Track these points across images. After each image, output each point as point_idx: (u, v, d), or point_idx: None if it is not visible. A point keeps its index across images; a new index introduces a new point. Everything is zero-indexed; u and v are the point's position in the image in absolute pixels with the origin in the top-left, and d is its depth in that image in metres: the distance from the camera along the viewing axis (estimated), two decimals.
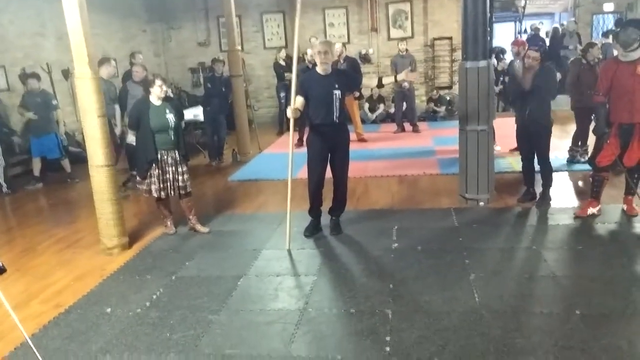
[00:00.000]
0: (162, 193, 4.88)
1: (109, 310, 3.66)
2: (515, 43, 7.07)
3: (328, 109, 4.46)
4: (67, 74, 9.04)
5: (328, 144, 4.58)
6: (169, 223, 5.14)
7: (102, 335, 3.33)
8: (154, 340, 3.24)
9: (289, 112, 4.36)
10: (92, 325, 3.47)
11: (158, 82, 4.80)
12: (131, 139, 6.93)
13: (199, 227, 5.11)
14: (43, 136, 7.35)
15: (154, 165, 4.80)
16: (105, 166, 4.59)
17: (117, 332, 3.37)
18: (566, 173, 6.41)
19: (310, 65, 8.99)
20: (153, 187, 4.84)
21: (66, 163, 7.64)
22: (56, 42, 9.01)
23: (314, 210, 4.82)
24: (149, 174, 4.82)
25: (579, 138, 6.77)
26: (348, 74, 4.70)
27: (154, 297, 3.82)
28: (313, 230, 4.82)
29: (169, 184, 4.88)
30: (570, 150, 6.87)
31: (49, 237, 5.32)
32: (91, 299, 3.87)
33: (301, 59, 10.20)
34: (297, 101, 4.49)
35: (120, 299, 3.83)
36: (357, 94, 9.25)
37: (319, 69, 4.53)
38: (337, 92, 4.46)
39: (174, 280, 4.09)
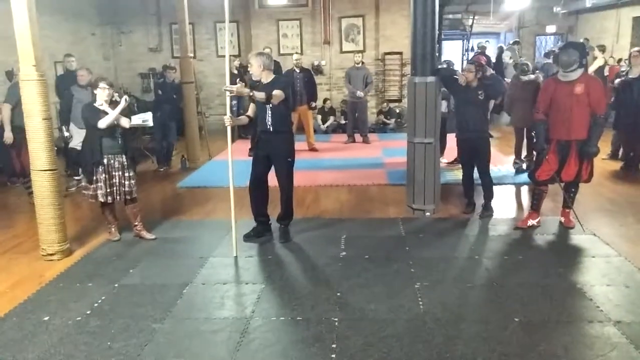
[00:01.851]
0: (109, 198, 4.79)
1: (46, 318, 3.52)
2: (477, 59, 7.23)
3: (264, 116, 4.59)
4: (10, 75, 8.65)
5: (264, 150, 4.71)
6: (113, 229, 5.01)
7: (38, 345, 3.19)
8: (94, 350, 3.13)
9: (226, 120, 4.45)
10: (29, 334, 3.32)
11: (102, 84, 4.72)
12: (75, 143, 6.75)
13: (144, 233, 5.01)
14: None
15: (100, 169, 4.70)
16: (48, 170, 4.44)
17: (55, 341, 3.24)
18: (508, 186, 6.67)
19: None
20: (99, 192, 4.75)
21: None
22: (0, 42, 8.61)
23: (254, 213, 4.88)
24: (95, 178, 4.73)
25: (518, 150, 7.35)
26: (278, 85, 4.62)
27: (95, 305, 3.70)
28: (251, 235, 4.85)
29: (115, 188, 4.79)
30: (515, 163, 7.36)
31: None
32: (28, 306, 3.70)
33: (246, 68, 10.20)
34: (250, 108, 4.74)
35: (60, 306, 3.68)
36: (313, 104, 9.34)
37: (263, 78, 4.63)
38: None
39: (117, 288, 3.97)
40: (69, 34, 10.78)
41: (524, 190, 6.49)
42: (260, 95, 4.33)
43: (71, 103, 6.66)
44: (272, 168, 4.77)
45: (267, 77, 4.62)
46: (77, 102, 6.67)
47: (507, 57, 11.20)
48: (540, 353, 3.00)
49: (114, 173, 4.77)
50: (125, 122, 4.77)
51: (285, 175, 4.74)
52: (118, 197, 4.85)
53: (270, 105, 4.45)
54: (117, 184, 4.79)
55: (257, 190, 4.79)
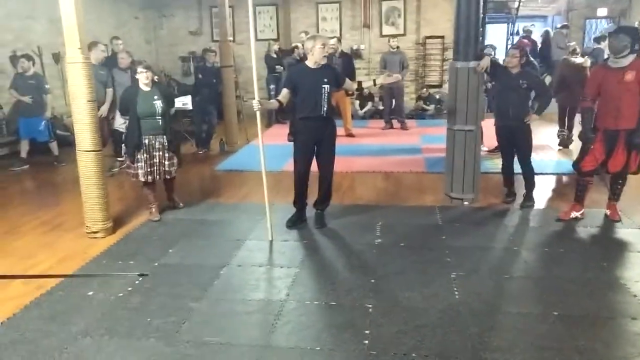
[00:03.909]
0: (149, 177, 4.96)
1: (90, 293, 3.66)
2: (521, 44, 7.39)
3: (316, 102, 4.49)
4: (57, 57, 8.94)
5: (314, 137, 4.62)
6: (153, 209, 5.14)
7: (83, 318, 3.33)
8: (134, 325, 3.24)
9: (254, 104, 4.35)
10: (74, 308, 3.46)
11: (139, 68, 4.92)
12: (118, 124, 6.93)
13: (177, 201, 5.42)
14: (33, 118, 7.28)
15: (142, 150, 4.87)
16: (93, 151, 4.57)
17: (98, 315, 3.37)
18: (550, 176, 6.49)
19: (298, 58, 9.01)
20: (140, 172, 4.92)
21: (54, 146, 7.59)
22: (47, 25, 8.89)
23: (298, 202, 4.85)
24: (137, 158, 4.90)
25: (562, 121, 7.99)
26: (337, 71, 4.77)
27: (136, 282, 3.82)
28: (295, 222, 4.85)
29: (155, 168, 4.97)
30: (559, 132, 8.01)
31: (33, 219, 5.28)
32: (74, 281, 3.86)
33: (290, 52, 10.21)
34: (282, 93, 4.60)
35: (103, 282, 3.82)
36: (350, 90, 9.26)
37: (310, 63, 4.56)
38: (326, 86, 4.49)
39: (157, 267, 4.08)
40: (112, 17, 11.02)
41: (568, 180, 6.30)
42: (368, 84, 4.88)
43: (112, 86, 6.82)
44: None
45: (322, 62, 4.58)
46: (117, 85, 6.83)
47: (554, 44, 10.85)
48: (579, 348, 2.93)
49: (154, 153, 4.94)
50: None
51: (332, 161, 4.75)
52: (158, 177, 5.03)
53: (329, 91, 4.48)
54: (157, 163, 4.97)
55: (306, 182, 4.77)
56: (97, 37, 8.83)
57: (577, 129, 6.58)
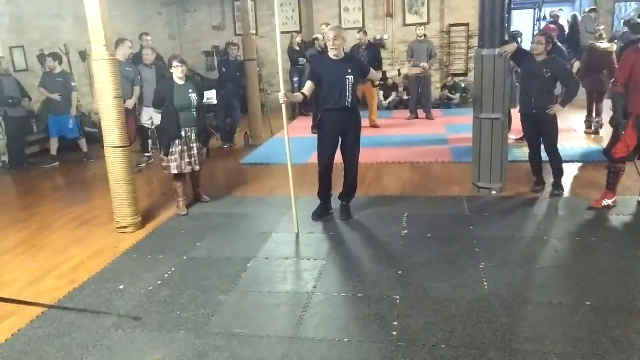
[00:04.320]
0: (187, 168, 5.10)
1: (121, 287, 3.73)
2: (547, 30, 7.30)
3: (341, 93, 4.47)
4: (84, 55, 9.10)
5: (339, 128, 4.60)
6: (181, 204, 5.22)
7: (114, 311, 3.39)
8: (165, 318, 3.30)
9: (281, 98, 4.34)
10: (106, 301, 3.54)
11: (175, 63, 5.06)
12: (144, 120, 7.02)
13: (203, 195, 5.49)
14: (62, 116, 7.44)
15: (177, 142, 5.00)
16: (120, 147, 4.64)
17: (130, 308, 3.43)
18: (581, 163, 6.34)
19: (320, 50, 8.98)
20: (173, 164, 5.03)
21: (83, 143, 7.75)
22: (74, 24, 9.05)
23: (323, 194, 4.85)
24: (171, 151, 5.02)
25: (590, 109, 7.93)
26: (362, 62, 4.75)
27: (166, 276, 3.87)
28: (321, 214, 4.84)
29: (193, 159, 5.11)
30: (586, 121, 7.96)
31: (64, 214, 5.40)
32: (105, 275, 3.94)
33: (311, 44, 10.17)
34: (307, 86, 4.59)
35: (133, 276, 3.89)
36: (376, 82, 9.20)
37: (331, 54, 4.54)
38: (350, 77, 4.46)
39: (185, 261, 4.14)
40: (136, 14, 11.15)
41: (599, 168, 6.14)
42: (393, 74, 4.90)
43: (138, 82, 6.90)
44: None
45: (342, 53, 4.58)
46: (143, 81, 6.91)
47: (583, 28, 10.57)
48: (614, 339, 2.87)
49: (192, 145, 5.07)
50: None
51: (357, 153, 4.73)
52: (192, 168, 5.15)
53: (353, 82, 4.45)
54: (196, 154, 5.13)
55: (330, 173, 4.76)
56: (123, 34, 8.93)
57: (607, 114, 6.42)
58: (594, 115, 7.91)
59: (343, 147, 4.69)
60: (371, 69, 4.78)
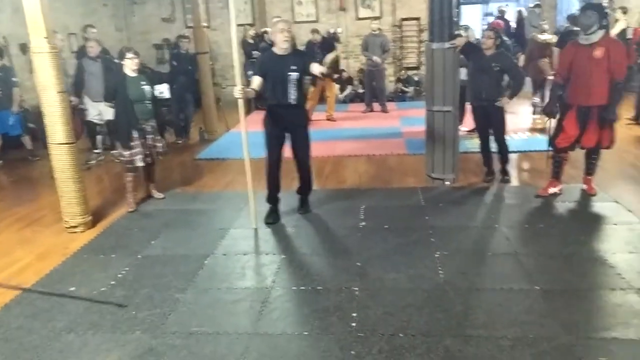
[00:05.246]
0: (148, 159, 5.05)
1: (72, 289, 3.60)
2: (494, 25, 7.62)
3: (284, 90, 4.32)
4: (25, 48, 8.68)
5: (283, 125, 4.46)
6: (131, 199, 5.11)
7: (66, 314, 3.28)
8: (120, 319, 3.21)
9: (236, 92, 4.22)
10: (56, 304, 3.41)
11: (129, 54, 4.98)
12: (92, 115, 6.79)
13: (155, 192, 5.40)
14: (2, 112, 7.08)
15: (137, 134, 4.92)
16: (66, 144, 4.47)
17: (82, 310, 3.32)
18: (527, 153, 6.56)
19: (270, 44, 8.89)
20: (137, 157, 4.95)
21: (27, 140, 7.41)
22: (12, 15, 8.61)
23: (272, 197, 4.68)
24: (131, 144, 4.93)
25: (535, 92, 8.55)
26: (306, 56, 4.62)
27: (119, 276, 3.77)
28: (276, 218, 4.68)
29: (151, 150, 5.06)
30: (533, 102, 8.51)
31: (9, 215, 5.17)
32: (54, 277, 3.80)
33: (261, 37, 10.08)
34: (255, 81, 4.40)
35: (85, 277, 3.77)
36: (335, 75, 9.25)
37: (277, 49, 4.40)
38: (294, 74, 4.30)
39: (140, 259, 4.04)
40: (80, 5, 10.71)
41: (544, 157, 6.37)
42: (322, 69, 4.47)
43: (82, 75, 6.66)
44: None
45: (289, 47, 4.41)
46: (88, 74, 6.67)
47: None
48: (561, 321, 2.99)
49: (148, 137, 5.01)
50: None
51: (307, 148, 4.61)
52: (151, 160, 5.11)
53: (297, 78, 4.33)
54: (152, 146, 5.06)
55: (278, 171, 4.61)
56: (66, 27, 8.64)
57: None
58: (538, 99, 8.49)
59: (292, 145, 4.56)
60: (312, 63, 4.49)
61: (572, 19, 8.05)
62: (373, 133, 8.12)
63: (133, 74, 4.96)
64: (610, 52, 4.44)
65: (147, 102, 4.98)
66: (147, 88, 4.97)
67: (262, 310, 3.25)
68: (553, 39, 8.15)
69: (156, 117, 5.11)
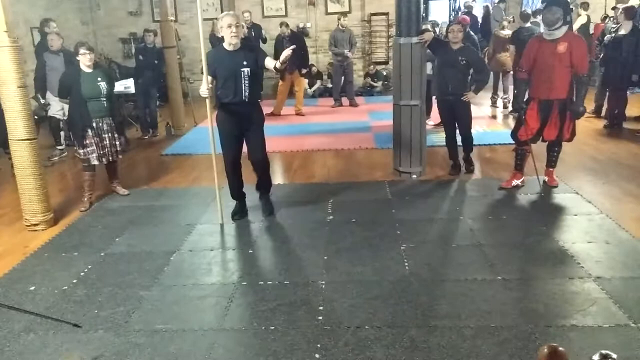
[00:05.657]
0: (103, 159, 4.95)
1: (32, 288, 3.52)
2: (460, 20, 7.78)
3: (236, 87, 4.17)
4: None
5: (238, 124, 4.31)
6: (85, 198, 5.03)
7: (25, 314, 3.19)
8: (81, 318, 3.14)
9: (202, 91, 4.12)
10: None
11: (82, 50, 4.79)
12: (54, 111, 6.62)
13: (119, 188, 5.30)
14: None
15: (90, 133, 4.82)
16: (27, 140, 4.35)
17: (42, 310, 3.24)
18: (492, 146, 6.68)
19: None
20: (92, 156, 4.86)
21: None
22: None
23: (236, 194, 4.62)
24: (85, 142, 4.83)
25: (495, 87, 9.15)
26: (257, 50, 4.44)
27: (82, 274, 3.70)
28: (242, 214, 4.64)
29: (107, 150, 4.95)
30: (492, 97, 9.22)
31: None
32: (13, 276, 3.70)
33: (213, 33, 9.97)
34: (208, 80, 4.20)
35: (45, 276, 3.68)
36: (303, 70, 9.24)
37: (226, 45, 4.22)
38: (246, 70, 4.14)
39: (103, 257, 3.97)
40: None
41: (508, 150, 6.51)
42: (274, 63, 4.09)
43: (45, 70, 6.49)
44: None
45: (239, 43, 4.22)
46: (50, 69, 6.49)
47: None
48: (522, 309, 3.07)
49: (103, 135, 4.90)
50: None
51: (263, 145, 4.48)
52: (111, 158, 5.02)
53: (250, 74, 4.16)
54: (108, 145, 4.95)
55: (237, 169, 4.50)
56: (28, 20, 8.38)
57: (512, 94, 6.85)
58: (499, 93, 9.10)
59: (247, 144, 4.43)
60: (266, 57, 4.31)
61: (524, 16, 8.24)
62: (342, 127, 8.14)
63: (88, 70, 4.81)
64: (572, 47, 4.55)
65: (103, 99, 4.84)
66: (103, 84, 4.82)
67: (229, 306, 3.23)
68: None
69: (113, 115, 4.98)
